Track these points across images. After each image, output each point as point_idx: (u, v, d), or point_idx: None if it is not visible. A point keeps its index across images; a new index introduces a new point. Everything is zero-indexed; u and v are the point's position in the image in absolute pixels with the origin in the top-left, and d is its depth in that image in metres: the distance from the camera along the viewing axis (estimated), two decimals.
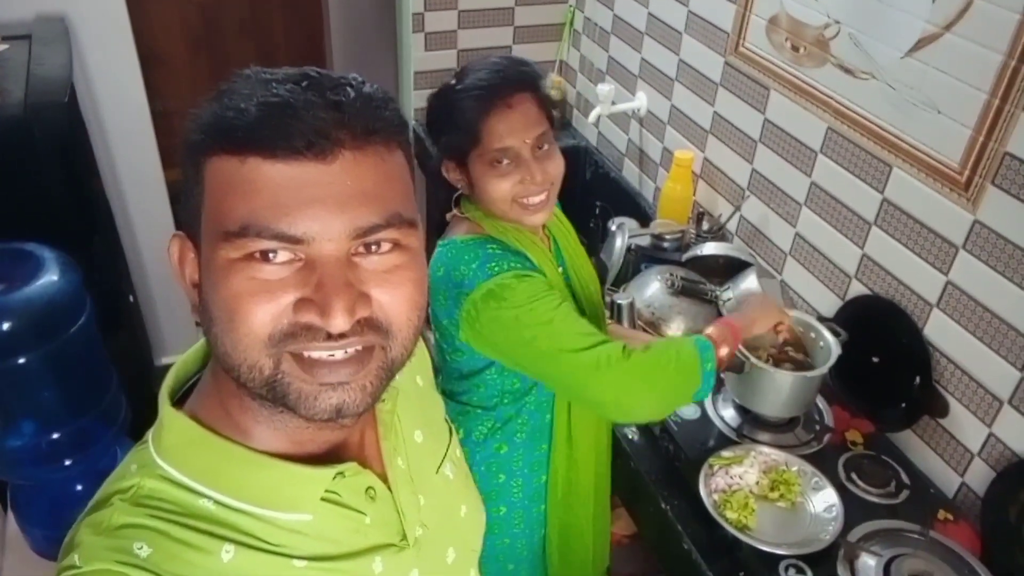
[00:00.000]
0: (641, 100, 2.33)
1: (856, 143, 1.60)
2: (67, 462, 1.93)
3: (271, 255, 0.54)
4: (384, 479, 0.68)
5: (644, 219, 2.21)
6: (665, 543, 1.49)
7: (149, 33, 3.48)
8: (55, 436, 1.88)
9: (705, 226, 2.04)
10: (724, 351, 1.21)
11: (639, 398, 1.15)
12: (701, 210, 2.08)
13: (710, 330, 1.24)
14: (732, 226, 2.03)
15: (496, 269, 1.17)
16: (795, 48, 1.73)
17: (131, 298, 2.37)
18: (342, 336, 0.55)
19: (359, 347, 0.57)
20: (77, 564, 0.56)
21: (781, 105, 1.79)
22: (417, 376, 0.82)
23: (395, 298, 0.58)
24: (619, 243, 1.96)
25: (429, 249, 1.26)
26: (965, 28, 1.33)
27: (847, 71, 1.59)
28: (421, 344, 0.71)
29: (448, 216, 1.32)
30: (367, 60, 3.51)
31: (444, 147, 1.24)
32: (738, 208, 1.99)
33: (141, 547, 0.56)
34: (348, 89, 0.56)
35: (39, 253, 1.82)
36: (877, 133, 1.54)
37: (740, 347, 1.33)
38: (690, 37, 2.09)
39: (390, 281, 0.57)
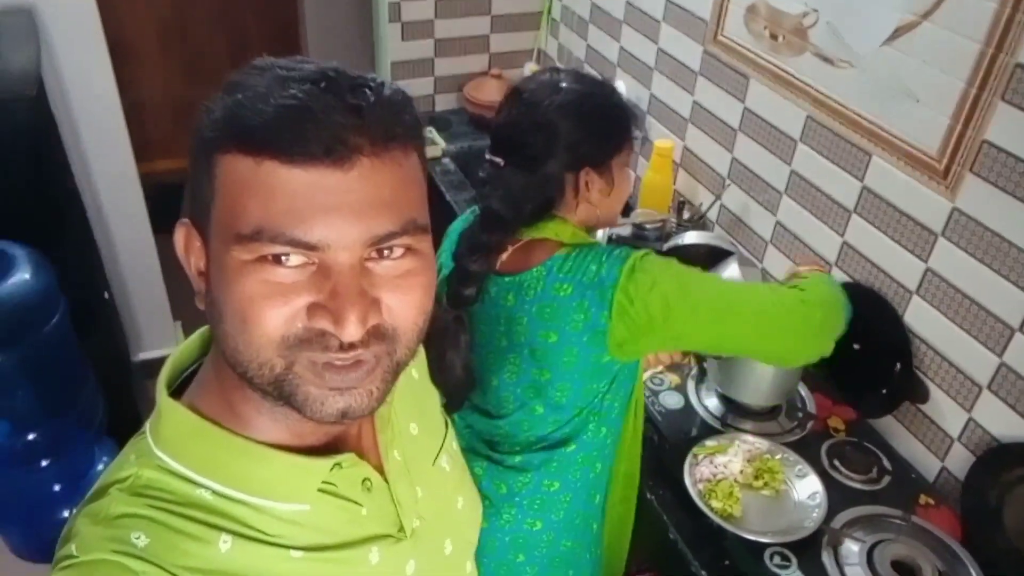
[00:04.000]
0: (620, 89, 2.29)
1: (835, 132, 1.60)
2: (43, 463, 1.90)
3: (284, 258, 0.54)
4: (381, 471, 0.69)
5: (625, 209, 2.20)
6: (651, 533, 1.50)
7: (119, 26, 3.41)
8: (30, 437, 1.86)
9: (686, 215, 2.04)
10: None
11: (821, 336, 1.21)
12: (682, 199, 2.08)
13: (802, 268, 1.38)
14: (713, 215, 2.04)
15: (625, 252, 1.12)
16: (774, 37, 1.72)
17: (106, 295, 2.33)
18: (352, 347, 0.55)
19: (366, 358, 0.57)
20: (74, 554, 0.55)
21: (761, 94, 1.79)
22: (413, 369, 0.81)
23: (404, 303, 0.58)
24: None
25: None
26: (942, 17, 1.34)
27: (826, 60, 1.59)
28: None
29: (503, 251, 1.18)
30: (343, 51, 3.47)
31: (600, 151, 1.17)
32: (719, 197, 1.99)
33: (139, 537, 0.56)
34: (367, 92, 0.54)
35: (10, 251, 1.78)
36: (856, 122, 1.54)
37: None
38: (668, 26, 2.08)
39: (401, 287, 0.57)
